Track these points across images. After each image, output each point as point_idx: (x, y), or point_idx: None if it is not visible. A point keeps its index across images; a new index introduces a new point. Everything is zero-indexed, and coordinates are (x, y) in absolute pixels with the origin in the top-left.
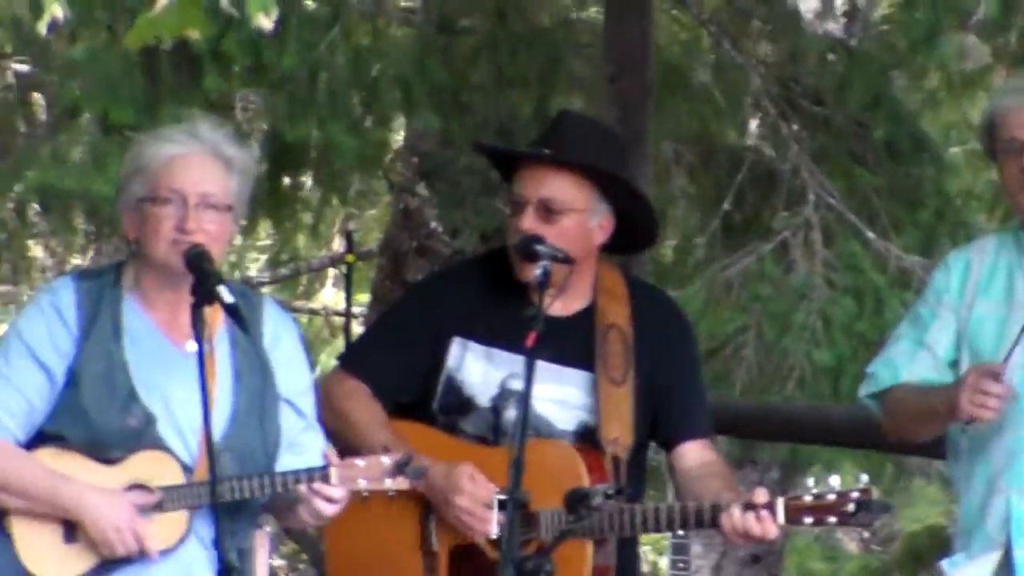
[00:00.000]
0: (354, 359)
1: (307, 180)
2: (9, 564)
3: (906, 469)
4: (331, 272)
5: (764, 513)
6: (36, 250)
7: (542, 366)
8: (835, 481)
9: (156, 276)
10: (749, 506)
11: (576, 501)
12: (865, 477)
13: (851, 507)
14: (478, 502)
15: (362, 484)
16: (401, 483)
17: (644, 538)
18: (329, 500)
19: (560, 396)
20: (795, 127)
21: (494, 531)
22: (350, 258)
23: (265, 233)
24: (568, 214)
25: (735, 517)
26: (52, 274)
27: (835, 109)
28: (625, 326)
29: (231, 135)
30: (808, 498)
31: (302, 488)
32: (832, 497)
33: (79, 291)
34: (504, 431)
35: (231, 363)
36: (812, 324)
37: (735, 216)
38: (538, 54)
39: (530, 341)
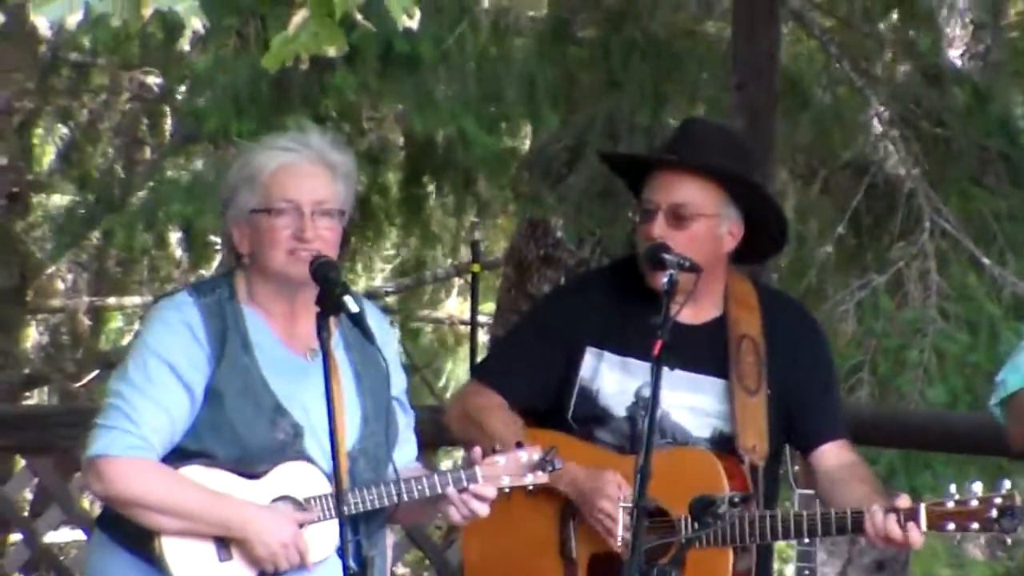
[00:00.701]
0: (488, 371)
1: (432, 191)
2: None
3: None
4: (456, 281)
5: (910, 524)
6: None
7: (677, 374)
8: (977, 487)
9: (272, 287)
10: (891, 511)
11: (702, 509)
12: (1007, 483)
13: (994, 513)
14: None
15: (505, 481)
16: (541, 478)
17: None
18: (481, 499)
19: (694, 404)
20: (914, 147)
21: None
22: (476, 267)
23: (391, 243)
24: (698, 219)
25: (878, 522)
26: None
27: (958, 132)
28: (757, 336)
29: (334, 141)
30: (950, 504)
31: (450, 490)
32: (974, 503)
33: (200, 307)
34: (640, 440)
35: (351, 369)
36: (927, 361)
37: (849, 239)
38: (654, 62)
39: (656, 350)
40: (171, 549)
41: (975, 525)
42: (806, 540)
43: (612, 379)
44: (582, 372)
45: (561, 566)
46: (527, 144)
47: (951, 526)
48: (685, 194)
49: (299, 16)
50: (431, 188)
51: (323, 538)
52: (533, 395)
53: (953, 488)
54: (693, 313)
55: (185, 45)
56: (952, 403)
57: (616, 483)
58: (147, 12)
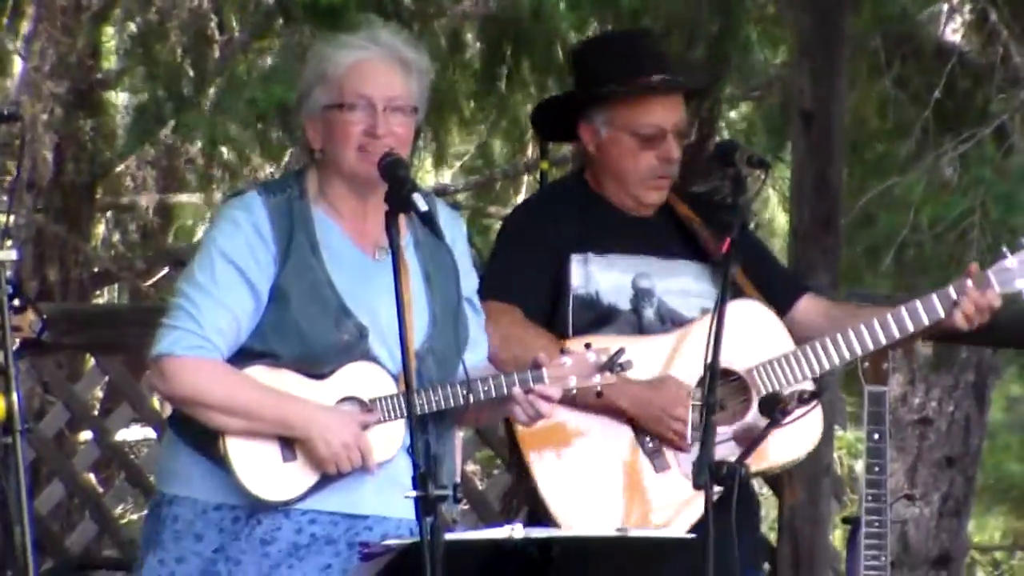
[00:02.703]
0: (501, 289)
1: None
2: (223, 484)
3: None
4: (525, 178)
5: (988, 289)
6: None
7: (655, 262)
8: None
9: (343, 185)
10: (962, 288)
11: (771, 407)
12: None
13: None
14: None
15: (572, 382)
16: (609, 378)
17: (839, 442)
18: (548, 399)
19: (680, 287)
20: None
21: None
22: (544, 164)
23: (460, 139)
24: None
25: (970, 289)
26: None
27: None
28: (696, 218)
29: (408, 39)
30: (1010, 262)
31: (516, 391)
32: None
33: (269, 206)
34: (647, 331)
35: (420, 267)
36: None
37: (947, 105)
38: None
39: (725, 246)
40: (235, 449)
41: None
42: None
43: (606, 277)
44: (573, 281)
45: (647, 460)
46: None
47: (1020, 283)
48: (681, 113)
49: None
50: (500, 83)
51: (388, 438)
52: (541, 306)
53: (1005, 249)
54: (646, 208)
55: None
56: None
57: (688, 392)
58: None
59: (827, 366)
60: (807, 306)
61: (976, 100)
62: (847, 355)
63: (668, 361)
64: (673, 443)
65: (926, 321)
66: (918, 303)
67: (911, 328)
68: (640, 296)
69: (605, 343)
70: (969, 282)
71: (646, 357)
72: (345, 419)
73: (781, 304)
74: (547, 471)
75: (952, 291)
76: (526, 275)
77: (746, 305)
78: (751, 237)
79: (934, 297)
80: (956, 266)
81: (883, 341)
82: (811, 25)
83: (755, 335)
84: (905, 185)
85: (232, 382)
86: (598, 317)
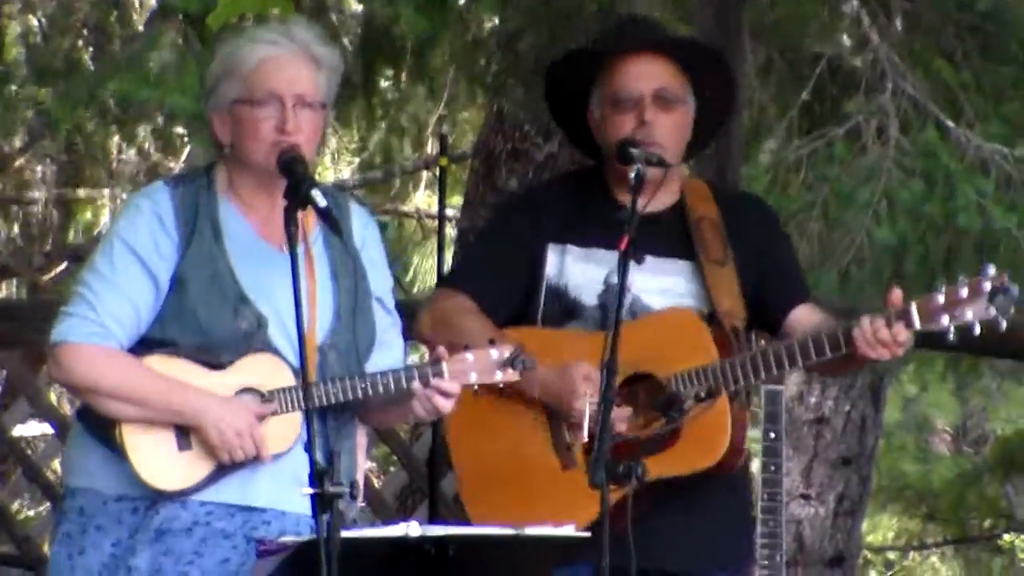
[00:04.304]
0: (459, 276)
1: (402, 82)
2: (123, 475)
3: (998, 371)
4: (424, 175)
5: (899, 324)
6: (129, 153)
7: (645, 260)
8: (962, 278)
9: (252, 179)
10: (881, 316)
11: (667, 406)
12: (992, 266)
13: (986, 291)
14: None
15: (473, 378)
16: (511, 375)
17: None
18: (445, 395)
19: (662, 287)
20: (881, 21)
21: (621, 427)
22: (443, 161)
23: (358, 135)
24: (680, 105)
25: (865, 327)
26: (145, 179)
27: (925, 7)
28: (715, 216)
29: (320, 34)
30: (940, 298)
31: (415, 385)
32: (964, 291)
33: (175, 196)
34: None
35: (328, 264)
36: (876, 204)
37: (814, 107)
38: None
39: (623, 244)
40: (131, 438)
41: (968, 313)
42: (760, 436)
43: (578, 270)
44: (547, 271)
45: (556, 456)
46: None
47: (944, 320)
48: (667, 78)
49: None
50: (397, 80)
51: (285, 431)
52: (503, 299)
53: (939, 283)
54: (652, 203)
55: None
56: (901, 248)
57: (584, 376)
58: None
59: (741, 383)
60: (797, 316)
61: (843, 104)
62: (763, 374)
63: (598, 357)
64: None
65: (828, 353)
66: (821, 334)
67: (814, 357)
68: (611, 292)
69: (569, 334)
70: (878, 320)
71: (583, 352)
72: (238, 408)
73: (774, 311)
74: (463, 456)
75: (864, 321)
76: (486, 267)
77: (679, 314)
78: (774, 238)
79: (837, 329)
80: None
81: (787, 367)
82: (711, 22)
83: (682, 345)
84: (754, 172)
85: (125, 368)
86: (564, 309)
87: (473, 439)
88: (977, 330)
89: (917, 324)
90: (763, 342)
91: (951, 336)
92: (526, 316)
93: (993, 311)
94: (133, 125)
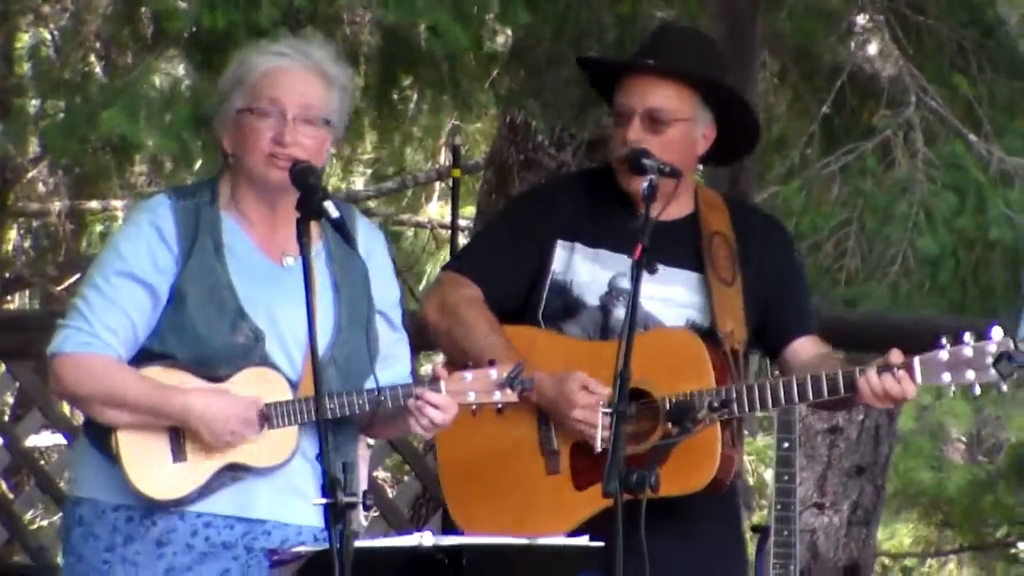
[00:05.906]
0: (466, 263)
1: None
2: (120, 484)
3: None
4: (437, 185)
5: (901, 373)
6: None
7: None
8: (968, 337)
9: (252, 190)
10: (885, 368)
11: (681, 414)
12: (998, 328)
13: (990, 358)
14: (595, 411)
15: (471, 398)
16: (510, 396)
17: (748, 447)
18: (441, 409)
19: (667, 295)
20: (898, 35)
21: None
22: (456, 172)
23: (371, 146)
24: (674, 124)
25: (871, 378)
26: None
27: (937, 22)
28: (728, 233)
29: (334, 53)
30: (944, 355)
31: (411, 401)
32: (968, 352)
33: (176, 209)
34: (612, 330)
35: (329, 277)
36: (915, 215)
37: (834, 120)
38: None
39: (637, 253)
40: (126, 447)
41: (970, 374)
42: (775, 443)
43: (584, 269)
44: (554, 266)
45: (542, 459)
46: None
47: (946, 377)
48: (660, 99)
49: None
50: (407, 88)
51: (281, 443)
52: (507, 288)
53: (944, 340)
54: (666, 211)
55: None
56: (939, 258)
57: (581, 384)
58: None
59: (736, 415)
60: (796, 349)
61: (863, 117)
62: (758, 408)
63: (598, 366)
64: (582, 438)
65: (826, 396)
66: (823, 376)
67: (811, 398)
68: (615, 294)
69: (566, 335)
70: (879, 373)
71: (583, 360)
72: (224, 397)
73: (775, 339)
74: (446, 452)
75: (870, 371)
76: (495, 252)
77: (683, 336)
78: (785, 265)
79: (839, 374)
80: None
81: (783, 404)
82: (724, 34)
83: (682, 367)
84: (786, 193)
85: (116, 375)
86: (566, 306)
87: (458, 437)
88: (977, 391)
89: (919, 379)
90: (757, 360)
91: (952, 392)
92: (527, 309)
93: (995, 375)
94: (130, 154)
